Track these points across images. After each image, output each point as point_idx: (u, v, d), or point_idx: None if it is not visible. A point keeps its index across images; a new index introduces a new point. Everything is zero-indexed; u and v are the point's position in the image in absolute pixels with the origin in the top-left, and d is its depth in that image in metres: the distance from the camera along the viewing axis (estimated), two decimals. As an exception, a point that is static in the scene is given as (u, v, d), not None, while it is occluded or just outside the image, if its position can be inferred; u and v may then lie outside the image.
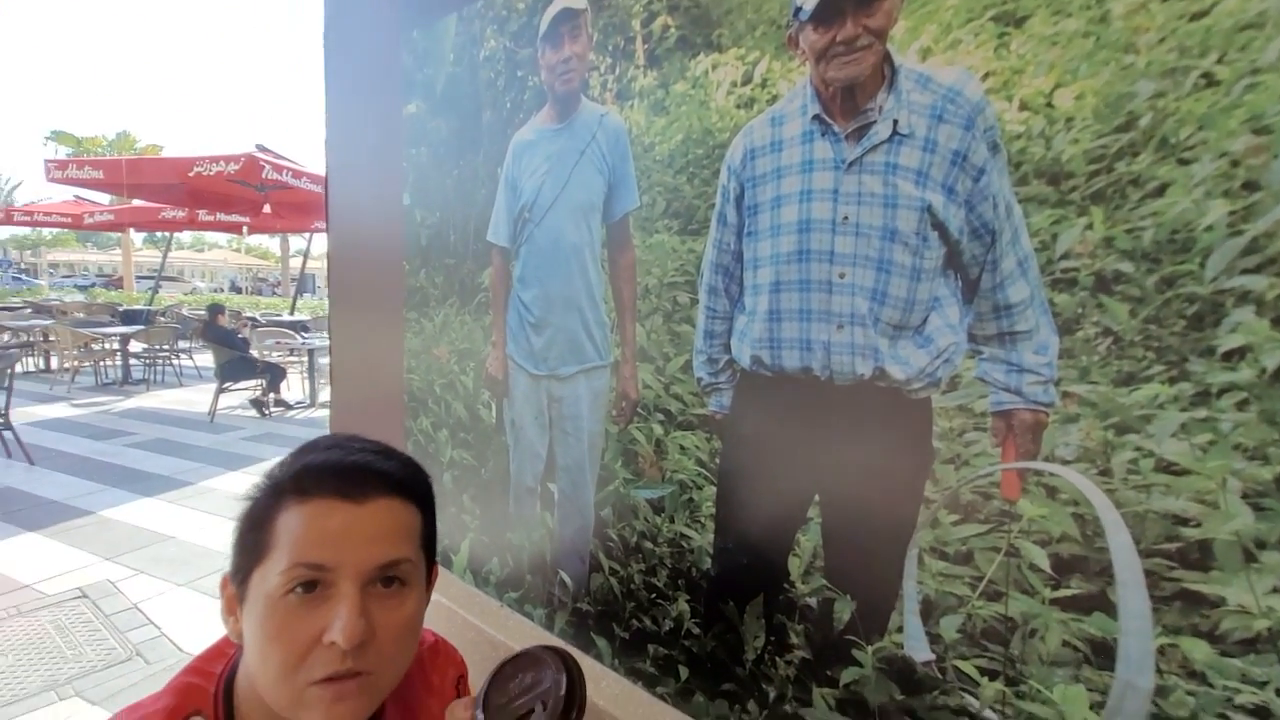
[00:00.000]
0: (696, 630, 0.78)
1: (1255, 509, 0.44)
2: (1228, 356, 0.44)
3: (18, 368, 5.37)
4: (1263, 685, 0.44)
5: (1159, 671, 0.48)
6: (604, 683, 0.86)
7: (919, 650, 0.60)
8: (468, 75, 1.04)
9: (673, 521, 0.80)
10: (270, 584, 0.52)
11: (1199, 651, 0.46)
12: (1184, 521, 0.46)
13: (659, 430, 0.81)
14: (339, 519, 0.54)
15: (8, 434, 4.84)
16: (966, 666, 0.57)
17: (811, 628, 0.68)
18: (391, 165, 1.20)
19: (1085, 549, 0.51)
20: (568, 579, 0.94)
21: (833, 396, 0.65)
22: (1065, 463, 0.52)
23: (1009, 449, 0.54)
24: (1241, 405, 0.44)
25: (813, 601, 0.68)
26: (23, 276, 23.03)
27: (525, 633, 0.97)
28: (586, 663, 0.90)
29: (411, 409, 1.21)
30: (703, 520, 0.77)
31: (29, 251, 31.76)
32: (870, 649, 0.64)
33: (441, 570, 1.16)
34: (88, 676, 2.38)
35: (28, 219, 10.73)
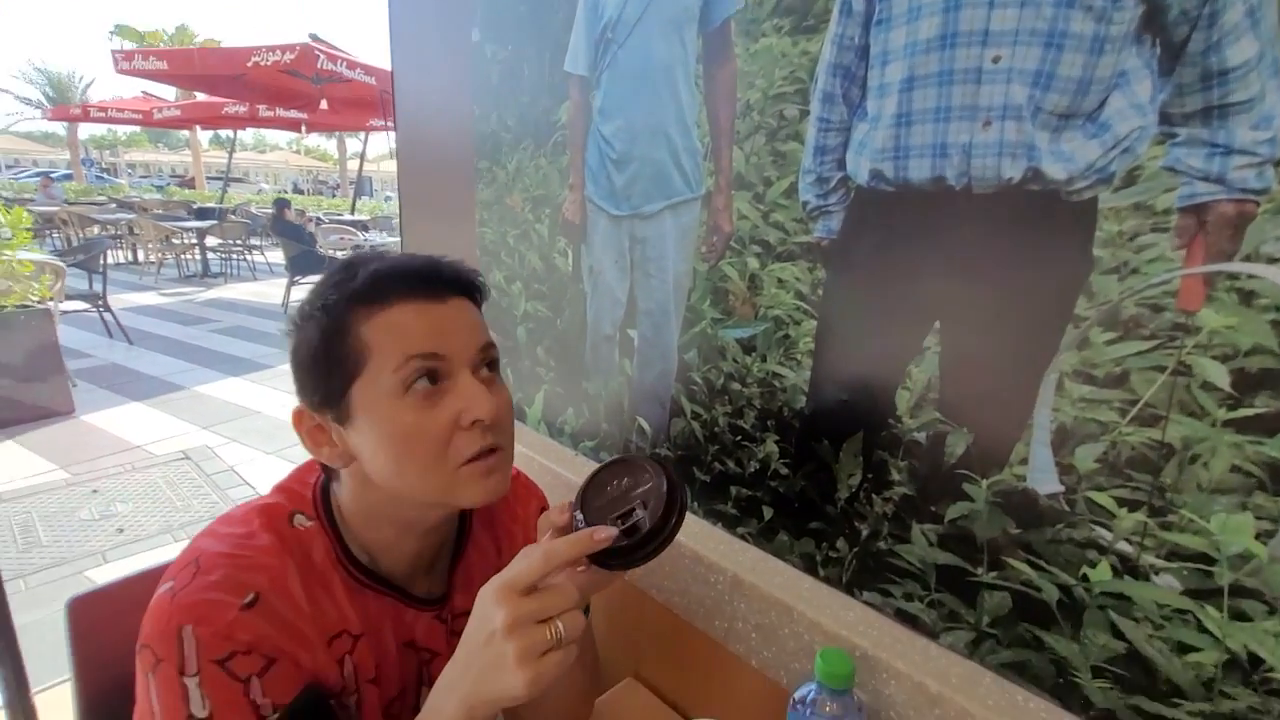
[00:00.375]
0: (784, 471, 0.76)
1: None
2: None
3: (110, 259, 5.72)
4: None
5: (1356, 495, 0.42)
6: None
7: (1045, 482, 0.56)
8: (543, -125, 0.92)
9: (764, 360, 0.76)
10: (384, 387, 0.53)
11: None
12: None
13: (754, 264, 0.75)
14: (432, 315, 0.55)
15: (108, 316, 5.23)
16: (1102, 498, 0.53)
17: (917, 463, 0.64)
18: (459, -3, 1.11)
19: (1279, 361, 0.44)
20: (646, 425, 0.93)
21: (969, 208, 0.57)
22: (1272, 261, 0.43)
23: (1196, 251, 0.46)
24: None
25: (921, 436, 0.63)
26: (105, 175, 24.11)
27: (566, 458, 0.98)
28: (664, 506, 0.90)
29: (484, 263, 1.18)
30: (798, 358, 0.72)
31: (108, 151, 33.09)
32: (985, 482, 0.59)
33: (517, 422, 1.18)
34: (198, 524, 2.65)
35: (102, 115, 11.04)
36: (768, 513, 0.79)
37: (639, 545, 0.51)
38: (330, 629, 0.56)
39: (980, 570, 0.61)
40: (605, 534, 0.49)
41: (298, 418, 0.57)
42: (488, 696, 0.46)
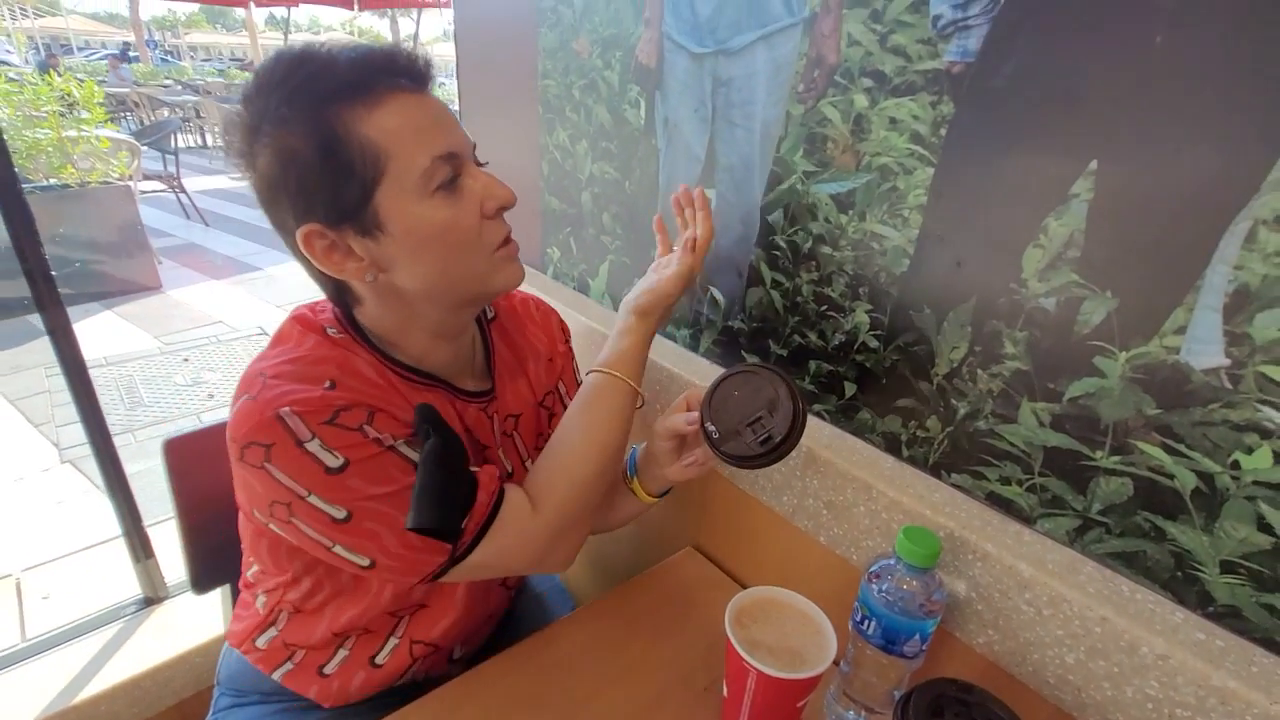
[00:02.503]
0: (874, 343, 0.69)
1: None
2: None
3: (180, 142, 5.82)
4: None
5: None
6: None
7: (1206, 355, 0.47)
8: None
9: (863, 219, 0.67)
10: (414, 183, 0.51)
11: None
12: None
13: (862, 102, 0.64)
14: (428, 108, 0.53)
15: (183, 197, 5.42)
16: (1274, 373, 0.44)
17: (1038, 334, 0.56)
18: None
19: None
20: (719, 296, 0.87)
21: (1166, 5, 0.44)
22: None
23: None
24: None
25: (1049, 303, 0.55)
26: (168, 58, 24.24)
27: (668, 351, 0.94)
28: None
29: (547, 121, 1.09)
30: (904, 214, 0.63)
31: (169, 33, 33.04)
32: (1124, 355, 0.51)
33: (577, 295, 1.14)
34: (278, 392, 2.83)
35: (160, -11, 10.86)
36: (850, 389, 0.73)
37: (771, 452, 0.58)
38: (399, 409, 0.57)
39: (1099, 454, 0.54)
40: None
41: (308, 241, 0.53)
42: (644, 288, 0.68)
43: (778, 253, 0.77)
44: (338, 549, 0.53)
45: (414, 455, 0.54)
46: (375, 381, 0.57)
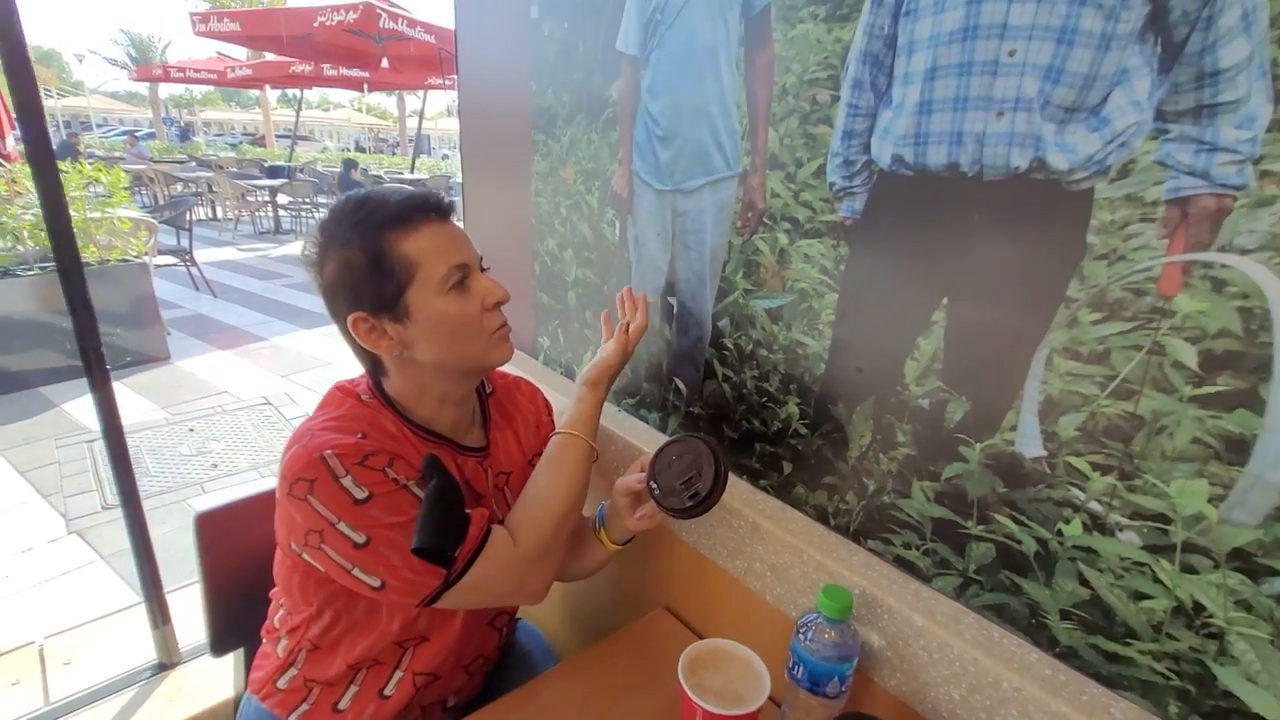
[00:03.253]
0: (804, 430, 0.84)
1: None
2: None
3: (193, 215, 6.14)
4: None
5: (1300, 466, 0.47)
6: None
7: (1030, 446, 0.62)
8: None
9: (789, 330, 0.83)
10: (434, 286, 0.71)
11: (1356, 445, 0.44)
12: (1378, 310, 0.43)
13: (784, 240, 0.81)
14: (449, 233, 0.74)
15: (194, 270, 5.65)
16: (1079, 462, 0.59)
17: (920, 427, 0.71)
18: (518, -24, 1.17)
19: (1245, 345, 0.48)
20: (682, 385, 1.02)
21: (978, 194, 0.62)
22: (1244, 252, 0.48)
23: (1178, 240, 0.51)
24: None
25: (925, 403, 0.70)
26: (184, 134, 25.37)
27: (640, 432, 1.08)
28: (695, 457, 1.00)
29: (538, 232, 1.28)
30: (820, 328, 0.79)
31: (185, 110, 34.67)
32: (978, 446, 0.66)
33: (564, 380, 1.29)
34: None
35: (181, 75, 11.59)
36: (787, 468, 0.87)
37: (699, 505, 0.74)
38: (415, 459, 0.73)
39: (970, 524, 0.68)
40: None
41: (355, 325, 0.72)
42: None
43: (726, 352, 0.93)
44: (356, 571, 0.67)
45: (421, 493, 0.69)
46: (395, 435, 0.74)
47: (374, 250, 0.69)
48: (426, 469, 0.71)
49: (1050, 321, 0.59)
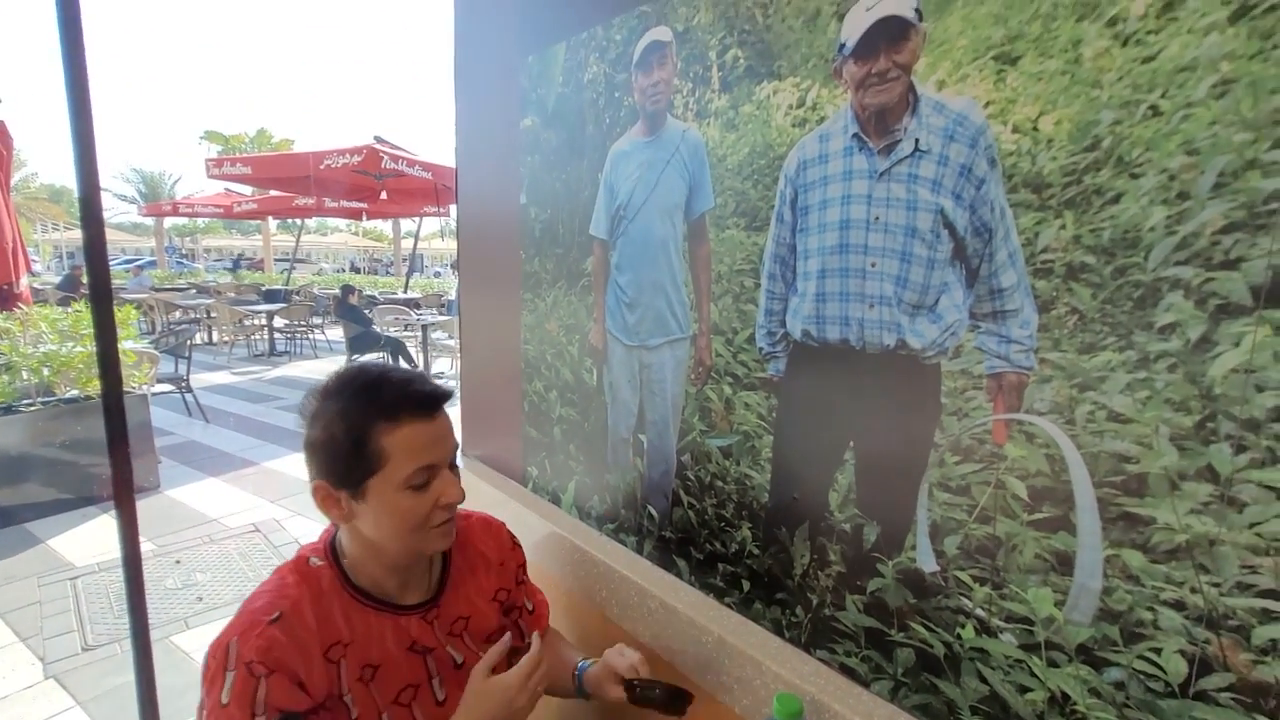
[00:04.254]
0: (756, 551, 0.98)
1: (1179, 449, 0.57)
2: (1163, 330, 0.57)
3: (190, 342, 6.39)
4: (1180, 584, 0.57)
5: (1105, 575, 0.62)
6: (682, 593, 1.07)
7: (927, 563, 0.76)
8: (574, 95, 1.25)
9: (738, 464, 0.99)
10: (395, 482, 0.78)
11: (1135, 560, 0.60)
12: (1127, 459, 0.60)
13: (728, 390, 0.99)
14: (429, 432, 0.80)
15: (189, 396, 5.78)
16: (963, 575, 0.73)
17: (846, 547, 0.85)
18: (510, 169, 1.44)
19: (1053, 481, 0.65)
20: (654, 512, 1.16)
21: (864, 363, 0.81)
22: (1040, 414, 0.66)
23: (999, 403, 0.69)
24: (1172, 369, 0.57)
25: (847, 526, 0.85)
26: (184, 261, 26.44)
27: (620, 555, 1.20)
28: (668, 579, 1.12)
29: (527, 374, 1.46)
30: (762, 463, 0.95)
31: (187, 238, 36.30)
32: (890, 563, 0.80)
33: (551, 506, 1.42)
34: (267, 591, 2.92)
35: (189, 210, 12.35)
36: (746, 585, 1.00)
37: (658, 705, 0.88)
38: (328, 640, 0.80)
39: (893, 631, 0.81)
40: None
41: (316, 491, 0.80)
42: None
43: (690, 483, 1.08)
44: None
45: None
46: (309, 626, 0.78)
47: (358, 434, 0.76)
48: None
49: (926, 461, 0.75)
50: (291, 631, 0.77)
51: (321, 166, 7.34)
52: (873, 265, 0.79)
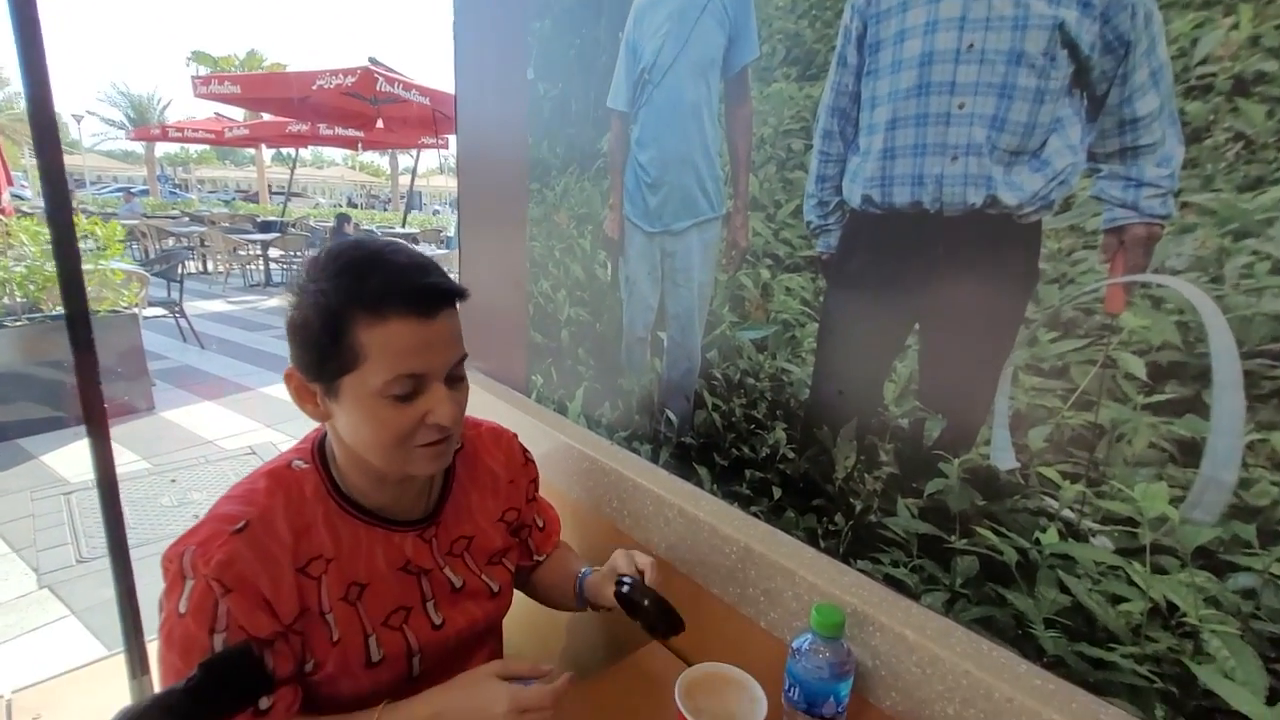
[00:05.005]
0: (791, 455, 0.87)
1: (1374, 301, 0.45)
2: (1372, 148, 0.44)
3: (185, 268, 6.21)
4: (1351, 470, 0.46)
5: (1244, 465, 0.51)
6: (703, 502, 0.98)
7: (1004, 460, 0.66)
8: (591, -60, 1.07)
9: (774, 358, 0.87)
10: (371, 387, 0.63)
11: (1289, 443, 0.49)
12: (1294, 320, 0.48)
13: (766, 275, 0.87)
14: (420, 335, 0.64)
15: (183, 321, 5.66)
16: (1049, 472, 0.62)
17: (901, 446, 0.75)
18: (516, 39, 1.27)
19: (1185, 355, 0.53)
20: (673, 417, 1.05)
21: (940, 228, 0.68)
22: (1175, 273, 0.53)
23: (1118, 264, 0.56)
24: (1378, 197, 0.44)
25: (904, 422, 0.74)
26: (177, 191, 25.78)
27: (633, 464, 1.10)
28: (687, 488, 1.02)
29: (533, 274, 1.33)
30: (803, 355, 0.84)
31: (180, 168, 35.33)
32: (956, 461, 0.70)
33: (556, 416, 1.32)
34: (264, 511, 2.88)
35: (179, 135, 11.88)
36: (777, 492, 0.90)
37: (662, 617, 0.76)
38: (307, 554, 0.69)
39: (953, 538, 0.71)
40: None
41: (288, 377, 0.69)
42: None
43: (715, 383, 0.97)
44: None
45: (214, 651, 0.61)
46: (281, 538, 0.67)
47: (335, 322, 0.62)
48: (206, 665, 0.57)
49: (1013, 341, 0.64)
50: (258, 544, 0.66)
51: (314, 87, 6.97)
52: (960, 107, 0.65)
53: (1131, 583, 0.58)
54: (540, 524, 0.99)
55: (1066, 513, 0.62)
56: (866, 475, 0.79)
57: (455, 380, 0.70)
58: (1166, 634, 0.56)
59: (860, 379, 0.78)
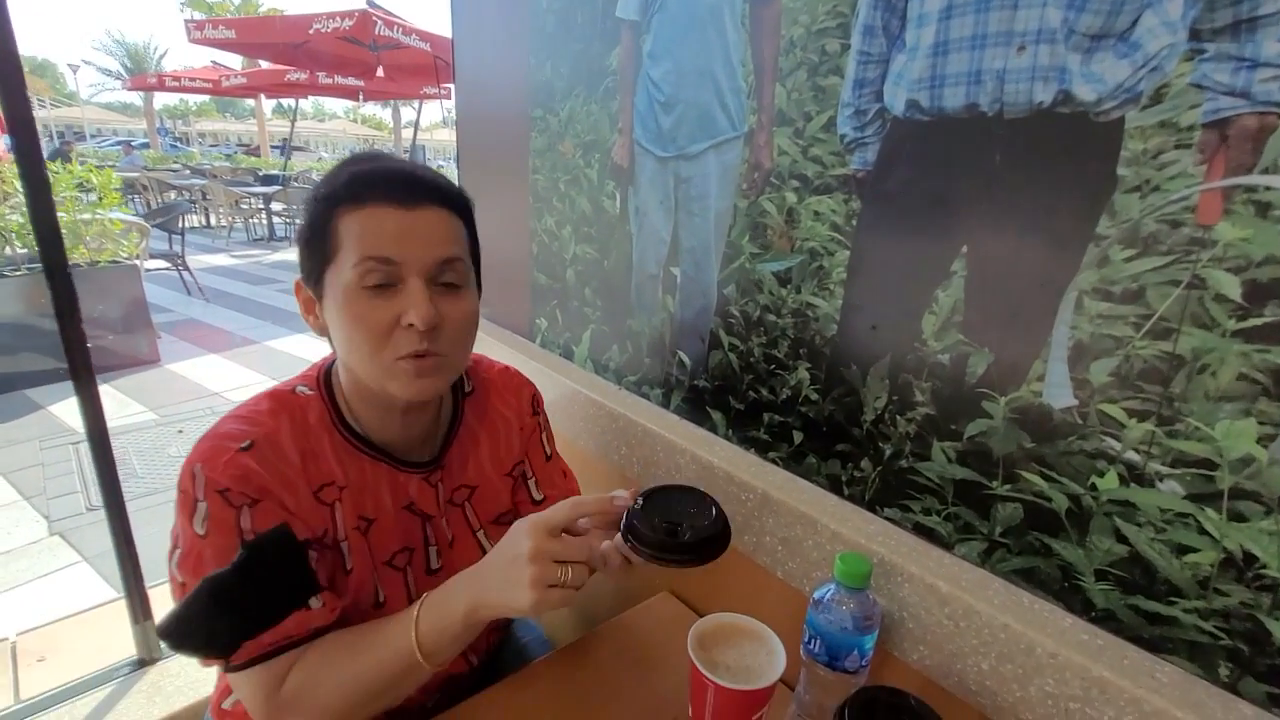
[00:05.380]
0: (814, 396, 0.81)
1: None
2: None
3: (185, 223, 6.11)
4: None
5: (1358, 397, 0.44)
6: (718, 448, 0.92)
7: (1060, 397, 0.59)
8: None
9: (799, 292, 0.80)
10: (345, 278, 0.60)
11: None
12: None
13: (792, 198, 0.78)
14: (396, 222, 0.61)
15: (186, 275, 5.60)
16: (1113, 410, 0.55)
17: (939, 384, 0.68)
18: (516, -52, 1.15)
19: (1294, 270, 0.45)
20: (686, 359, 0.99)
21: (999, 133, 0.59)
22: (1291, 172, 0.45)
23: (1216, 165, 0.48)
24: None
25: (944, 358, 0.67)
26: (178, 144, 25.37)
27: (643, 409, 1.04)
28: (700, 433, 0.96)
29: (536, 209, 1.25)
30: (831, 288, 0.76)
31: (180, 121, 34.70)
32: (1003, 400, 0.63)
33: (562, 361, 1.26)
34: (271, 462, 2.88)
35: (176, 84, 11.57)
36: (797, 437, 0.84)
37: (670, 549, 0.56)
38: (318, 479, 0.65)
39: (995, 483, 0.64)
40: (622, 500, 0.60)
41: (297, 288, 0.67)
42: (495, 602, 0.57)
43: (733, 320, 0.90)
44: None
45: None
46: (290, 460, 0.63)
47: (320, 219, 0.62)
48: (251, 546, 0.58)
49: (1079, 261, 0.56)
50: (268, 463, 0.62)
51: (310, 31, 6.74)
52: (1032, -15, 0.55)
53: (1203, 531, 0.52)
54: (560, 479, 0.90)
55: (1130, 454, 0.55)
56: (898, 417, 0.72)
57: (445, 287, 0.64)
58: (1240, 588, 0.50)
59: (896, 311, 0.70)
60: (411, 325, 0.60)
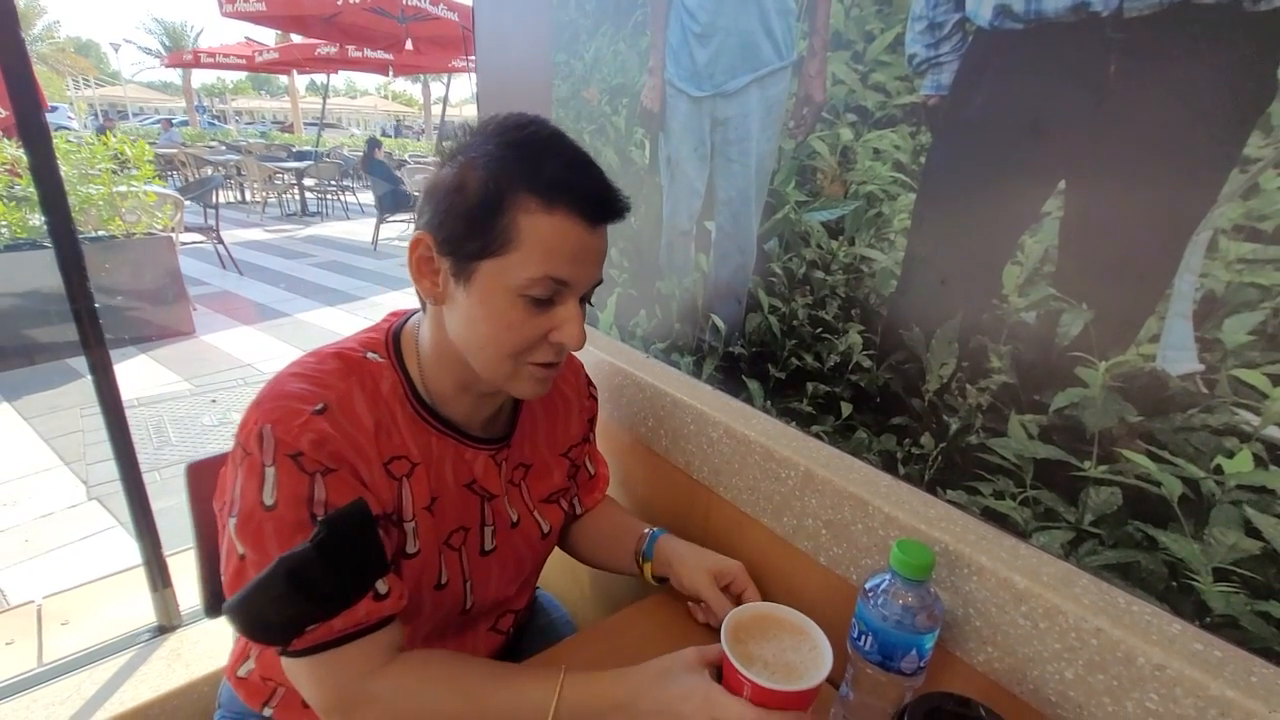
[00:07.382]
0: (867, 363, 0.71)
1: None
2: None
3: (220, 198, 6.18)
4: None
5: None
6: (755, 421, 0.83)
7: (1180, 361, 0.48)
8: None
9: (852, 244, 0.70)
10: (511, 281, 0.56)
11: None
12: None
13: (847, 135, 0.68)
14: (579, 241, 0.57)
15: (220, 249, 5.68)
16: (1252, 376, 0.45)
17: (1022, 347, 0.58)
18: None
19: None
20: (720, 323, 0.90)
21: (1116, 37, 0.48)
22: None
23: None
24: None
25: (1029, 317, 0.57)
26: (215, 121, 25.82)
27: (672, 379, 0.96)
28: (734, 405, 0.88)
29: (559, 165, 1.16)
30: (891, 237, 0.66)
31: (217, 99, 35.31)
32: (1103, 365, 0.53)
33: (588, 327, 1.18)
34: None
35: (211, 61, 11.70)
36: (846, 409, 0.75)
37: None
38: (389, 451, 0.61)
39: (1087, 464, 0.55)
40: None
41: (415, 245, 0.59)
42: None
43: (774, 279, 0.80)
44: (224, 577, 0.55)
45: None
46: (364, 426, 0.59)
47: (498, 196, 0.54)
48: (330, 522, 0.54)
49: (1216, 193, 0.45)
50: (342, 429, 0.57)
51: (339, 2, 6.71)
52: None
53: (1370, 526, 0.42)
54: (591, 471, 0.89)
55: (1271, 430, 0.45)
56: (969, 386, 0.62)
57: (585, 303, 0.63)
58: None
59: (971, 263, 0.60)
60: (561, 345, 0.60)
